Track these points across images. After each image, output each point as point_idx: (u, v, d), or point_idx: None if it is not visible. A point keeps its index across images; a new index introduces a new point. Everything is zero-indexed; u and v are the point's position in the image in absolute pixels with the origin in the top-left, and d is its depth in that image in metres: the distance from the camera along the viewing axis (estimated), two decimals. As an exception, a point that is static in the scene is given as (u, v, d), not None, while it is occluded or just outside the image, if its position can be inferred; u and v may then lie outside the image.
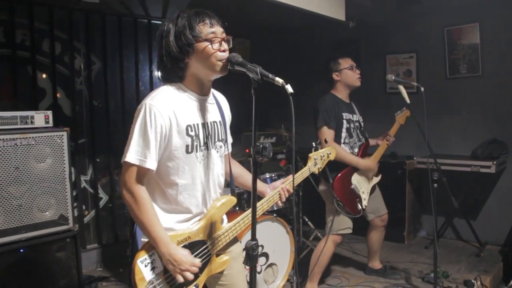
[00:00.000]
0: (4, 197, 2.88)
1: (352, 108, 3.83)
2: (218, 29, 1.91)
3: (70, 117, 4.38)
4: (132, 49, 4.79)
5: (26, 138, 2.98)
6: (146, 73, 4.94)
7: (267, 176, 4.10)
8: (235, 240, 2.21)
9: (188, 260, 1.89)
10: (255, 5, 4.36)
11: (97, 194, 4.60)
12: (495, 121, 4.90)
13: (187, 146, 1.91)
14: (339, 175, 3.59)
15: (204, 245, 2.02)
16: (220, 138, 2.09)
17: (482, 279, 3.84)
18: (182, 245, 1.94)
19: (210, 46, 1.86)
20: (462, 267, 4.37)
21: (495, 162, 4.49)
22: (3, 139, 2.88)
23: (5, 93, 3.94)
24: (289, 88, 1.65)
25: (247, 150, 4.93)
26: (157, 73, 2.02)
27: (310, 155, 2.48)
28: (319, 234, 4.81)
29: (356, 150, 3.73)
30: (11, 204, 2.91)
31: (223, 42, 1.90)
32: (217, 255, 2.10)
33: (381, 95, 5.71)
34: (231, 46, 1.94)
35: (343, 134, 3.67)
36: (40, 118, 3.13)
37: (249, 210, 2.12)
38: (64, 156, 3.15)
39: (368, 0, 4.91)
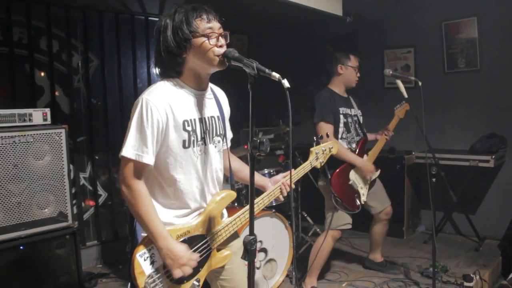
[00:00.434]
0: (3, 195, 2.88)
1: (349, 102, 3.83)
2: (215, 24, 1.91)
3: (68, 115, 4.38)
4: (129, 46, 4.78)
5: (25, 135, 2.98)
6: (144, 70, 4.94)
7: (266, 171, 4.11)
8: (235, 235, 2.22)
9: (186, 255, 1.90)
10: (253, 1, 4.36)
11: (96, 191, 4.60)
12: (493, 115, 4.90)
13: (184, 141, 1.92)
14: (337, 171, 3.59)
15: (203, 240, 2.03)
16: (218, 133, 2.09)
17: (481, 274, 3.85)
18: (181, 240, 1.95)
19: (207, 41, 1.87)
20: (461, 261, 4.39)
21: (493, 157, 4.50)
22: (2, 136, 2.88)
23: (3, 91, 3.94)
24: (285, 83, 1.65)
25: (245, 146, 4.94)
26: (155, 70, 2.02)
27: (311, 149, 2.47)
28: (318, 230, 4.82)
29: (353, 145, 3.73)
30: (10, 202, 2.91)
31: (220, 37, 1.90)
32: (218, 250, 2.10)
33: (379, 90, 5.71)
34: (228, 41, 1.94)
35: (341, 129, 3.67)
36: (38, 115, 3.13)
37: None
38: (62, 154, 3.15)
39: (366, -6, 4.91)
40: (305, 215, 4.91)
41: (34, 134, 3.02)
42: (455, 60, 5.15)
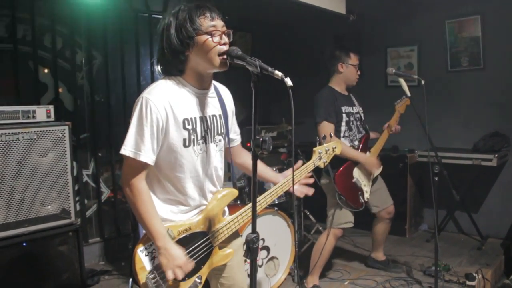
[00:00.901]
0: (6, 191, 2.90)
1: (351, 100, 3.83)
2: (219, 23, 1.90)
3: (71, 112, 4.39)
4: (133, 43, 4.79)
5: (28, 132, 2.99)
6: (147, 67, 4.94)
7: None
8: (236, 233, 2.22)
9: (182, 258, 1.90)
10: (256, -1, 4.36)
11: (99, 188, 4.61)
12: (496, 114, 4.89)
13: (184, 139, 1.92)
14: (341, 169, 3.59)
15: (205, 237, 2.03)
16: (219, 132, 2.09)
17: (484, 273, 3.85)
18: (182, 236, 1.96)
19: (210, 39, 1.87)
20: (464, 260, 4.38)
21: (496, 155, 4.49)
22: (5, 133, 2.90)
23: (7, 88, 3.95)
24: (288, 81, 1.65)
25: (248, 144, 4.94)
26: (157, 68, 2.02)
27: (314, 149, 2.46)
28: (320, 228, 4.82)
29: (356, 143, 3.73)
30: (14, 198, 2.93)
31: (223, 36, 1.90)
32: (220, 248, 2.11)
33: (382, 89, 5.70)
34: (231, 39, 1.94)
35: (343, 128, 3.66)
36: (42, 112, 3.14)
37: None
38: (65, 150, 3.16)
39: (369, -7, 4.91)
40: (308, 213, 4.92)
41: (37, 131, 3.03)
42: (459, 58, 5.14)
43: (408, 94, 3.49)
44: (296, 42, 6.42)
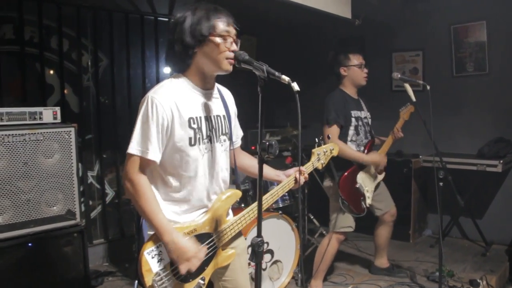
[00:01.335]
0: (13, 192, 2.91)
1: (360, 105, 3.83)
2: (232, 30, 1.95)
3: (77, 113, 4.42)
4: (138, 46, 4.81)
5: (35, 133, 3.01)
6: (152, 69, 4.96)
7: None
8: (239, 235, 2.24)
9: (192, 249, 1.90)
10: (262, 3, 4.36)
11: (103, 189, 4.63)
12: (501, 119, 4.88)
13: (190, 138, 1.93)
14: (345, 174, 3.59)
15: (210, 238, 2.04)
16: (224, 132, 2.11)
17: (488, 279, 3.84)
18: (188, 238, 1.96)
19: (222, 42, 1.90)
20: (468, 266, 4.37)
21: (501, 161, 4.48)
22: (12, 134, 2.92)
23: (14, 89, 3.98)
24: (295, 86, 1.66)
25: (253, 147, 4.95)
26: (165, 66, 2.06)
27: (313, 150, 2.49)
28: (324, 232, 4.82)
29: (362, 148, 3.73)
30: (20, 199, 2.95)
31: (233, 43, 1.94)
32: (223, 249, 2.12)
33: (387, 93, 5.70)
34: (238, 49, 1.97)
35: (350, 132, 3.66)
36: (49, 114, 3.16)
37: (255, 204, 2.14)
38: (71, 152, 3.18)
39: (375, -3, 4.92)
40: (312, 217, 4.92)
41: (44, 133, 3.05)
42: (464, 64, 5.14)
43: (413, 99, 3.49)
44: (301, 47, 6.43)
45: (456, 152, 5.06)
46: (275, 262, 3.67)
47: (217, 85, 2.15)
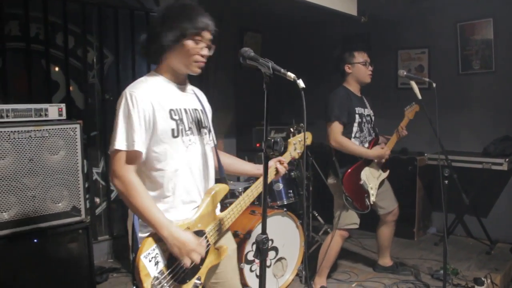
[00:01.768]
0: (18, 188, 2.92)
1: (363, 102, 3.83)
2: (207, 35, 1.97)
3: (82, 110, 4.43)
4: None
5: (40, 130, 3.02)
6: (157, 66, 4.96)
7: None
8: (228, 236, 2.22)
9: (194, 240, 1.88)
10: (267, 0, 4.35)
11: (108, 186, 4.64)
12: (508, 117, 4.85)
13: (172, 130, 1.94)
14: (349, 170, 3.59)
15: (203, 235, 2.01)
16: (203, 125, 2.11)
17: (493, 277, 3.83)
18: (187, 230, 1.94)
19: (194, 46, 1.93)
20: (472, 264, 4.36)
21: (507, 160, 4.46)
22: (18, 131, 2.93)
23: (20, 86, 3.99)
24: (300, 83, 1.66)
25: (257, 145, 4.95)
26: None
27: (289, 140, 2.47)
28: (328, 229, 4.82)
29: (366, 145, 3.73)
30: (26, 195, 2.96)
31: (205, 48, 1.97)
32: (215, 246, 2.10)
33: (393, 91, 5.68)
34: (211, 54, 2.01)
35: (354, 129, 3.66)
36: (54, 110, 3.17)
37: (241, 197, 2.17)
38: (77, 149, 3.19)
39: (380, -5, 4.89)
40: (316, 214, 4.92)
41: (49, 129, 3.06)
42: (470, 61, 5.11)
43: (419, 97, 3.48)
44: (306, 43, 6.41)
45: (462, 150, 5.04)
46: (280, 259, 3.68)
47: (189, 85, 2.18)
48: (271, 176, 2.29)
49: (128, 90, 1.90)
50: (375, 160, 3.72)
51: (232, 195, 3.92)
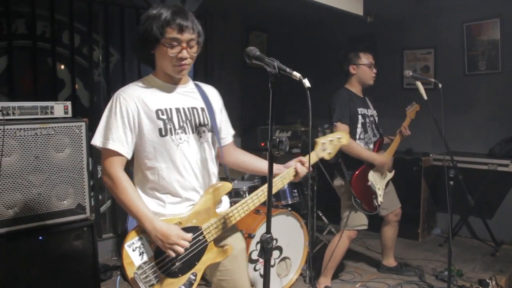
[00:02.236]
0: (24, 185, 2.93)
1: (366, 103, 3.82)
2: (186, 36, 1.94)
3: (88, 108, 4.44)
4: (150, 41, 4.81)
5: (46, 128, 3.03)
6: (163, 65, 4.96)
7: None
8: (235, 232, 2.21)
9: (174, 233, 1.90)
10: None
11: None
12: (513, 119, 4.83)
13: (159, 129, 1.98)
14: (357, 172, 3.58)
15: (198, 231, 2.02)
16: (202, 123, 2.11)
17: (498, 279, 3.81)
18: (172, 224, 1.96)
19: (169, 49, 1.93)
20: (477, 266, 4.35)
21: (513, 161, 4.44)
22: (24, 128, 2.93)
23: (26, 84, 4.01)
24: (306, 83, 1.65)
25: (262, 144, 4.95)
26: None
27: (316, 139, 2.36)
28: (333, 229, 4.82)
29: (371, 146, 3.72)
30: (31, 192, 2.97)
31: (184, 50, 1.95)
32: (216, 244, 2.09)
33: (398, 91, 5.67)
34: (195, 54, 2.01)
35: (358, 130, 3.65)
36: (60, 108, 3.18)
37: (249, 197, 2.13)
38: (82, 146, 3.19)
39: (387, -6, 4.87)
40: (320, 214, 4.91)
41: (55, 127, 3.06)
42: (476, 62, 5.09)
43: (425, 97, 3.46)
44: (312, 43, 6.40)
45: (467, 151, 5.03)
46: (284, 259, 3.68)
47: (198, 82, 2.21)
48: (289, 177, 2.21)
49: (117, 92, 1.98)
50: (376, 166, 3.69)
51: (236, 194, 3.93)
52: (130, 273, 1.87)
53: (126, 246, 1.88)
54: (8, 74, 3.87)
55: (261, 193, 2.14)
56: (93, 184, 4.34)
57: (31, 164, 2.96)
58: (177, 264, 1.96)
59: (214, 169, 2.18)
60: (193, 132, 2.07)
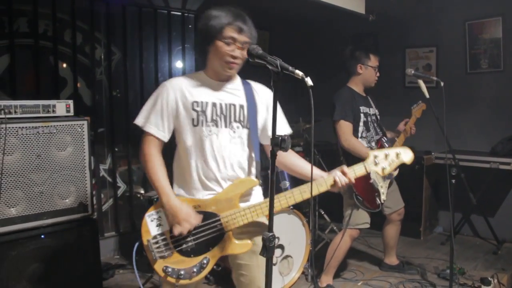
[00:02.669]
0: (26, 184, 2.94)
1: (368, 102, 3.82)
2: (241, 38, 2.08)
3: (90, 107, 4.44)
4: (151, 39, 4.82)
5: (48, 126, 3.03)
6: (165, 63, 4.97)
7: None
8: (261, 231, 2.18)
9: (184, 212, 2.05)
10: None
11: (115, 183, 4.66)
12: (516, 117, 4.82)
13: (192, 119, 2.13)
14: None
15: (215, 218, 2.10)
16: (237, 120, 2.19)
17: (499, 277, 3.81)
18: (186, 204, 2.10)
19: (224, 47, 2.07)
20: (479, 264, 4.34)
21: (515, 159, 4.43)
22: (26, 127, 2.94)
23: (28, 82, 4.01)
24: (308, 81, 1.65)
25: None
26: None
27: (369, 152, 2.27)
28: (335, 228, 4.82)
29: (373, 144, 3.72)
30: (33, 191, 2.97)
31: (238, 50, 2.08)
32: (236, 237, 2.14)
33: (400, 89, 5.66)
34: (246, 57, 2.07)
35: (360, 128, 3.65)
36: (62, 107, 3.18)
37: (276, 196, 2.08)
38: (84, 145, 3.20)
39: (389, -7, 4.87)
40: (322, 212, 4.91)
41: (57, 125, 3.07)
42: (478, 60, 5.08)
43: (427, 95, 3.46)
44: (314, 41, 6.40)
45: (469, 149, 5.02)
46: (286, 257, 3.68)
47: (251, 82, 2.31)
48: (327, 185, 2.15)
49: (165, 82, 2.19)
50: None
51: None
52: (144, 240, 2.07)
53: (146, 215, 2.09)
54: (10, 72, 3.87)
55: (289, 195, 2.12)
56: (95, 183, 4.35)
57: (33, 162, 2.97)
58: (190, 243, 2.09)
59: (245, 164, 2.22)
60: (225, 127, 2.16)
